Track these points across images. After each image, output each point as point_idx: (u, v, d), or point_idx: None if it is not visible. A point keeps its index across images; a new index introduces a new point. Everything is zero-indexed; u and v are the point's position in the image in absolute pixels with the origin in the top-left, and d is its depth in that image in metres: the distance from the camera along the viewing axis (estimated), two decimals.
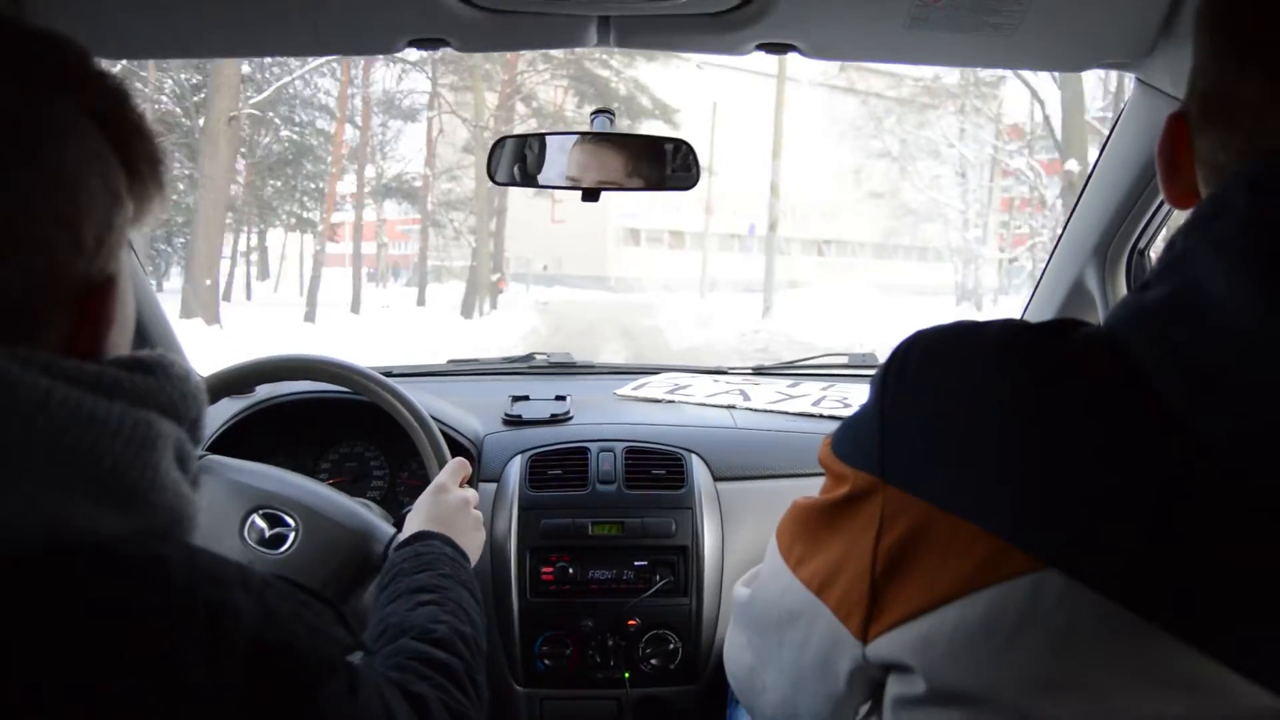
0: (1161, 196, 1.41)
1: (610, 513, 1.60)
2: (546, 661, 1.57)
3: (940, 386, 0.64)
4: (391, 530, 1.34)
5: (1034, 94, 14.94)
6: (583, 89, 20.94)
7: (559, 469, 1.66)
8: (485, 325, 17.45)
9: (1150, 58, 1.23)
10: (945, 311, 20.13)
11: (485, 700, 0.90)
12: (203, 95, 14.89)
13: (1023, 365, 0.61)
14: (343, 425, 1.80)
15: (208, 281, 13.64)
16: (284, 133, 20.12)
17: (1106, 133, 1.50)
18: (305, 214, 21.84)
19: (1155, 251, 1.52)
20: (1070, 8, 1.16)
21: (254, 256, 26.76)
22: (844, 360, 2.23)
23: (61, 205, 0.54)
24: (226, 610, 0.52)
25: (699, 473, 1.67)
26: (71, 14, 1.13)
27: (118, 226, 0.59)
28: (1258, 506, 0.54)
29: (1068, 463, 0.58)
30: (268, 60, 15.71)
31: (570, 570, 1.58)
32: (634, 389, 2.06)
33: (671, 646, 1.58)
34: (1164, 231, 1.49)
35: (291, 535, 1.30)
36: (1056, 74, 12.18)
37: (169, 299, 10.47)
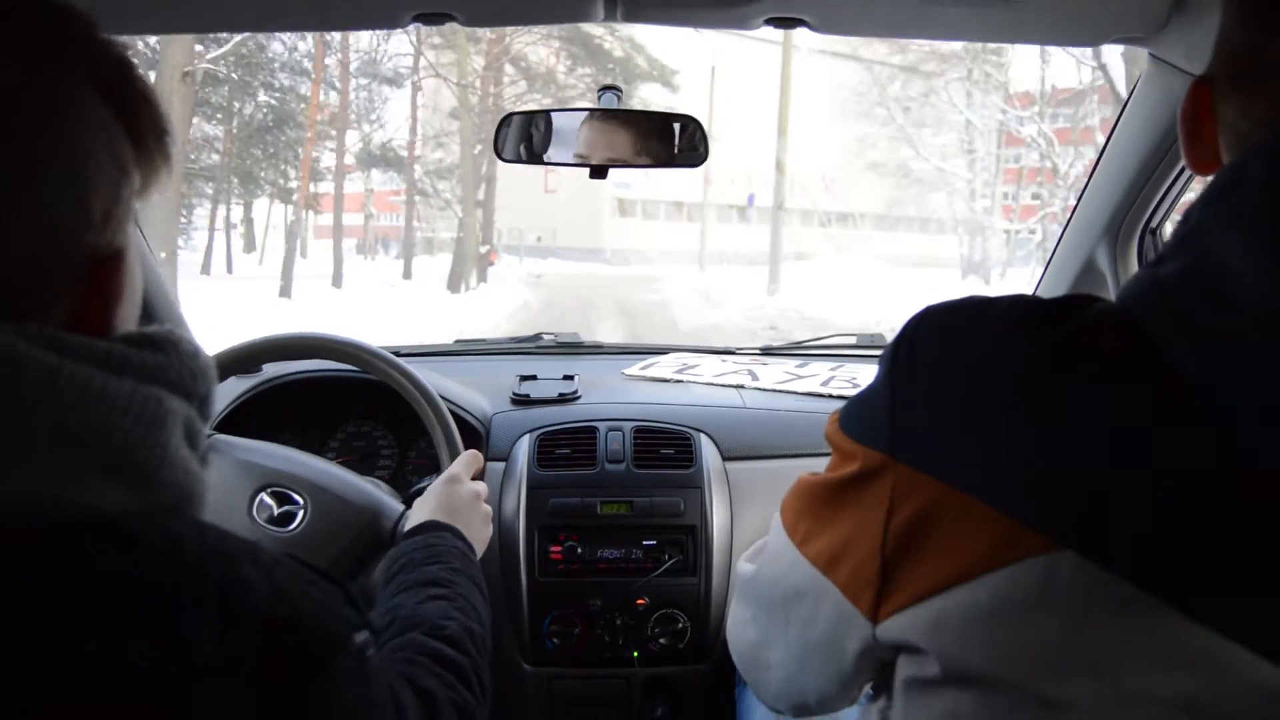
0: (1174, 174, 1.44)
1: (619, 492, 1.64)
2: (555, 640, 1.62)
3: (951, 363, 0.65)
4: (400, 507, 1.37)
5: (1096, 58, 14.58)
6: (575, 51, 20.74)
7: (567, 448, 1.70)
8: (470, 301, 17.21)
9: (1164, 32, 1.24)
10: (955, 285, 20.06)
11: (490, 699, 0.92)
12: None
13: (1035, 341, 0.62)
14: (351, 404, 1.84)
15: (163, 254, 13.39)
16: (263, 98, 19.84)
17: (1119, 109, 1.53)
18: (288, 183, 21.56)
19: (1167, 231, 1.55)
20: None
21: (241, 228, 26.58)
22: (852, 340, 2.28)
23: (69, 177, 0.55)
24: (236, 586, 0.53)
25: (708, 452, 1.71)
26: None
27: (125, 199, 0.59)
28: (1273, 481, 0.55)
29: (1081, 441, 0.58)
30: None
31: (579, 549, 1.62)
32: (642, 369, 2.10)
33: (680, 626, 1.62)
34: (1178, 209, 1.51)
35: (300, 513, 1.34)
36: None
37: None
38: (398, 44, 20.29)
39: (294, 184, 21.32)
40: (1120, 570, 0.56)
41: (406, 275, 21.71)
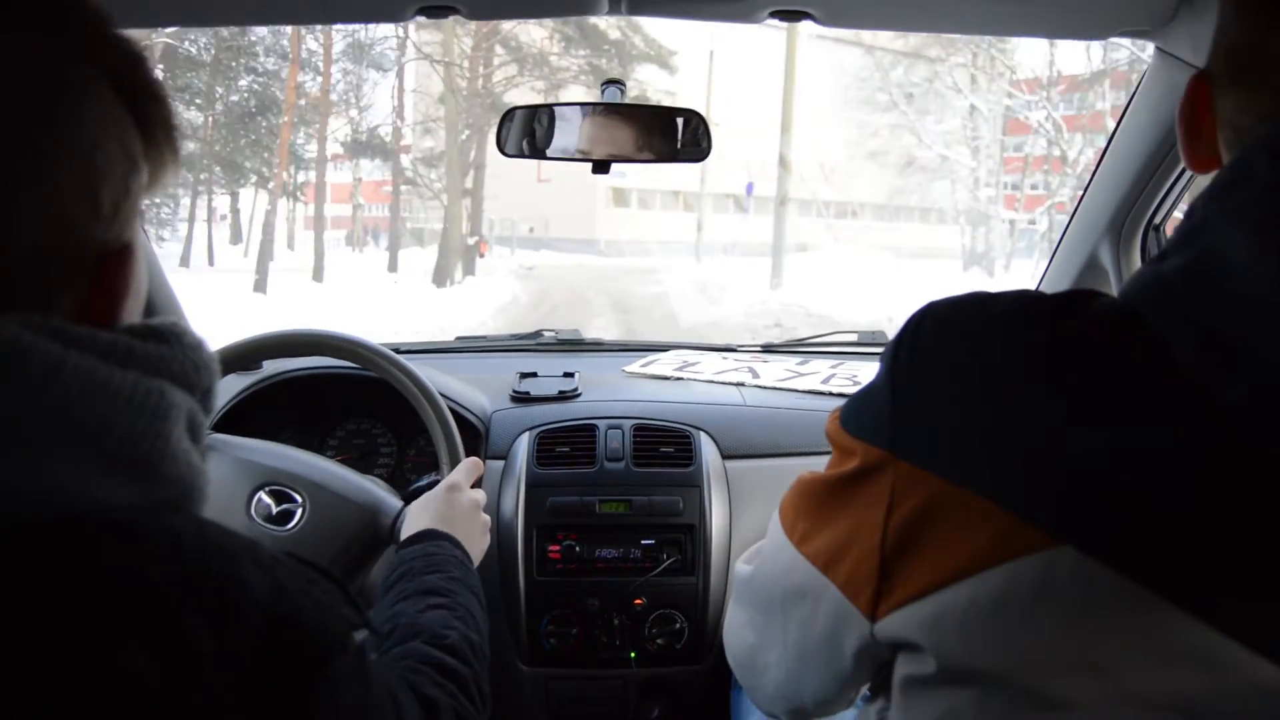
0: (1179, 170, 1.46)
1: (618, 490, 1.67)
2: (552, 641, 1.65)
3: (953, 359, 0.66)
4: (399, 505, 1.40)
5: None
6: (569, 32, 20.51)
7: (567, 446, 1.73)
8: (455, 296, 16.89)
9: (1171, 26, 1.26)
10: (959, 277, 19.97)
11: (489, 708, 0.94)
12: None
13: (1037, 337, 0.63)
14: (350, 402, 1.88)
15: None
16: (243, 82, 19.52)
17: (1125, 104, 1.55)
18: (274, 172, 21.22)
19: (1170, 228, 1.58)
20: None
21: (227, 218, 26.38)
22: (854, 337, 2.31)
23: (80, 169, 0.56)
24: (236, 583, 0.54)
25: (707, 450, 1.74)
26: None
27: (134, 192, 0.60)
28: (1275, 479, 0.56)
29: (1083, 437, 0.59)
30: None
31: (577, 549, 1.65)
32: (642, 366, 2.14)
33: (678, 626, 1.66)
34: (1181, 206, 1.53)
35: (299, 512, 1.37)
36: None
37: None
38: (385, 26, 20.08)
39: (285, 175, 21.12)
40: (1121, 566, 0.57)
41: (392, 268, 21.49)
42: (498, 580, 1.65)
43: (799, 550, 0.75)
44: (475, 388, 1.89)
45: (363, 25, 19.25)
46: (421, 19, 1.33)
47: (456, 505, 1.24)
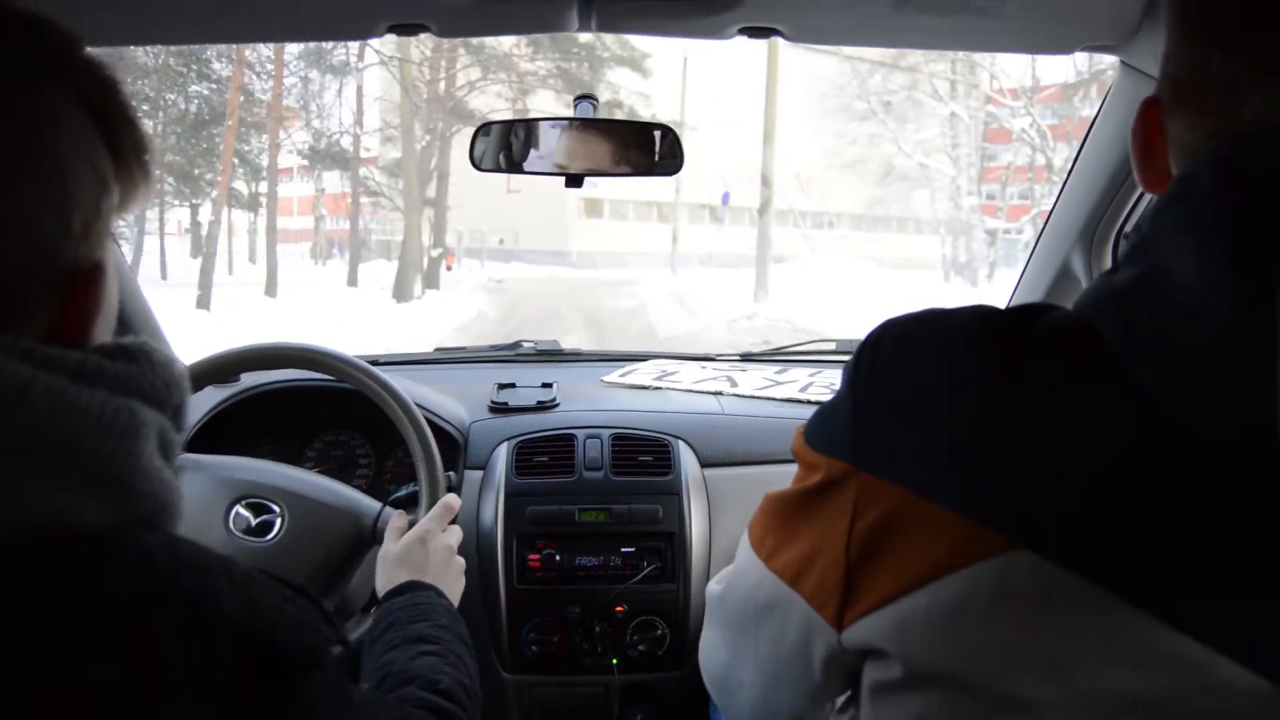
0: None
1: (597, 499, 1.74)
2: (534, 648, 1.71)
3: (911, 373, 0.70)
4: (378, 505, 1.47)
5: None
6: (536, 36, 20.57)
7: (545, 456, 1.80)
8: (415, 312, 16.64)
9: (1134, 40, 1.33)
10: (948, 289, 19.93)
11: None
12: None
13: (993, 350, 0.67)
14: (328, 414, 1.94)
15: None
16: (194, 88, 19.11)
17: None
18: (233, 184, 20.76)
19: None
20: None
21: (195, 231, 25.96)
22: (832, 346, 2.39)
23: (50, 189, 0.58)
24: (209, 599, 0.55)
25: (686, 459, 1.81)
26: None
27: (105, 213, 0.62)
28: (1228, 484, 0.59)
29: (1038, 445, 0.63)
30: None
31: (557, 557, 1.71)
32: (621, 376, 2.21)
33: (659, 633, 1.72)
34: None
35: (278, 522, 1.44)
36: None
37: None
38: None
39: (238, 184, 20.72)
40: (1077, 568, 0.60)
41: (352, 282, 21.26)
42: (478, 589, 1.70)
43: (767, 566, 0.78)
44: (453, 399, 1.95)
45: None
46: (393, 35, 1.40)
47: (434, 554, 1.30)
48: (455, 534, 1.38)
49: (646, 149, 1.63)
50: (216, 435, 1.81)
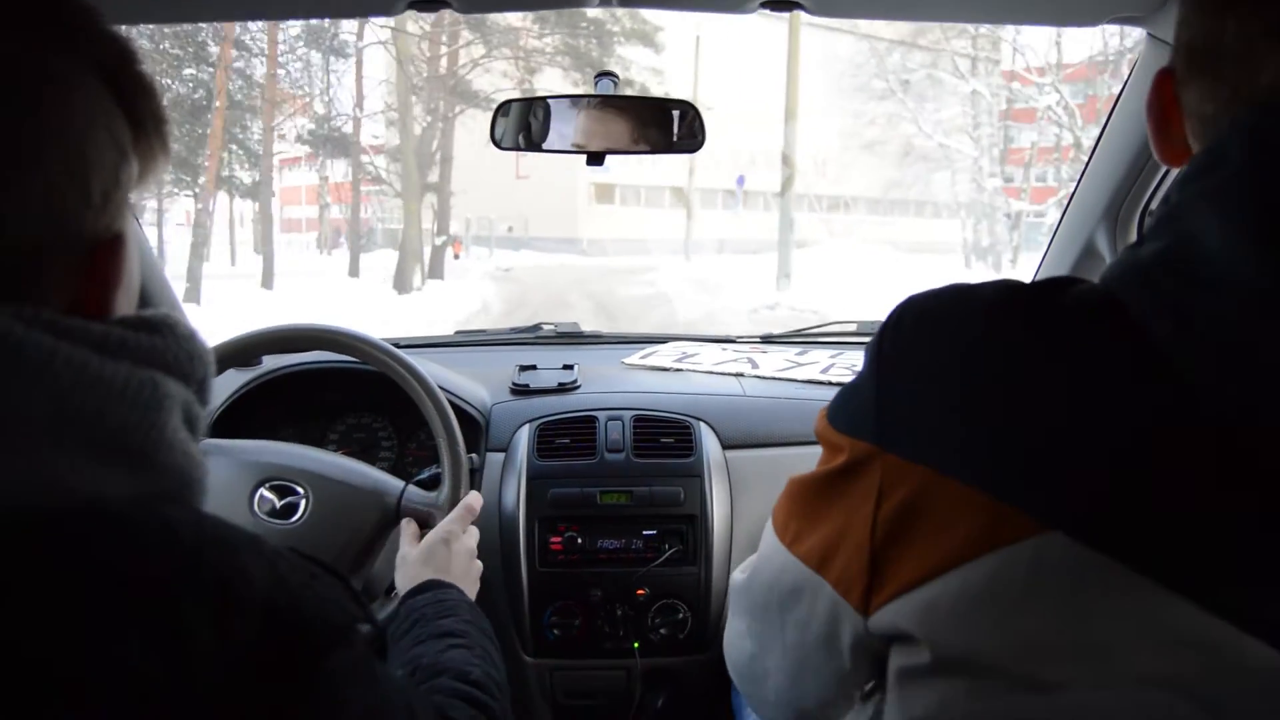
0: None
1: (619, 481, 1.77)
2: (556, 632, 1.75)
3: (935, 351, 0.70)
4: (401, 483, 1.51)
5: None
6: (543, 12, 20.35)
7: (567, 438, 1.84)
8: (415, 304, 16.28)
9: (1162, 11, 1.34)
10: (971, 274, 19.69)
11: None
12: None
13: (1017, 326, 0.67)
14: (350, 396, 1.98)
15: None
16: (188, 71, 18.61)
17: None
18: (232, 173, 20.50)
19: None
20: None
21: (191, 222, 25.82)
22: (853, 328, 2.43)
23: (69, 159, 0.58)
24: (235, 574, 0.55)
25: (708, 441, 1.85)
26: None
27: (124, 183, 0.63)
28: (1260, 461, 0.59)
29: (1065, 422, 0.63)
30: None
31: (579, 540, 1.75)
32: (642, 358, 2.25)
33: (680, 616, 1.76)
34: None
35: (302, 504, 1.48)
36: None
37: None
38: None
39: (238, 172, 20.45)
40: (1109, 550, 0.60)
41: (353, 273, 21.00)
42: (500, 572, 1.74)
43: (791, 552, 0.79)
44: (475, 381, 1.99)
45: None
46: (413, 12, 1.43)
47: (456, 556, 1.34)
48: (475, 535, 1.42)
49: (666, 126, 1.66)
50: (239, 419, 1.86)
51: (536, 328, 2.43)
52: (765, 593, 0.84)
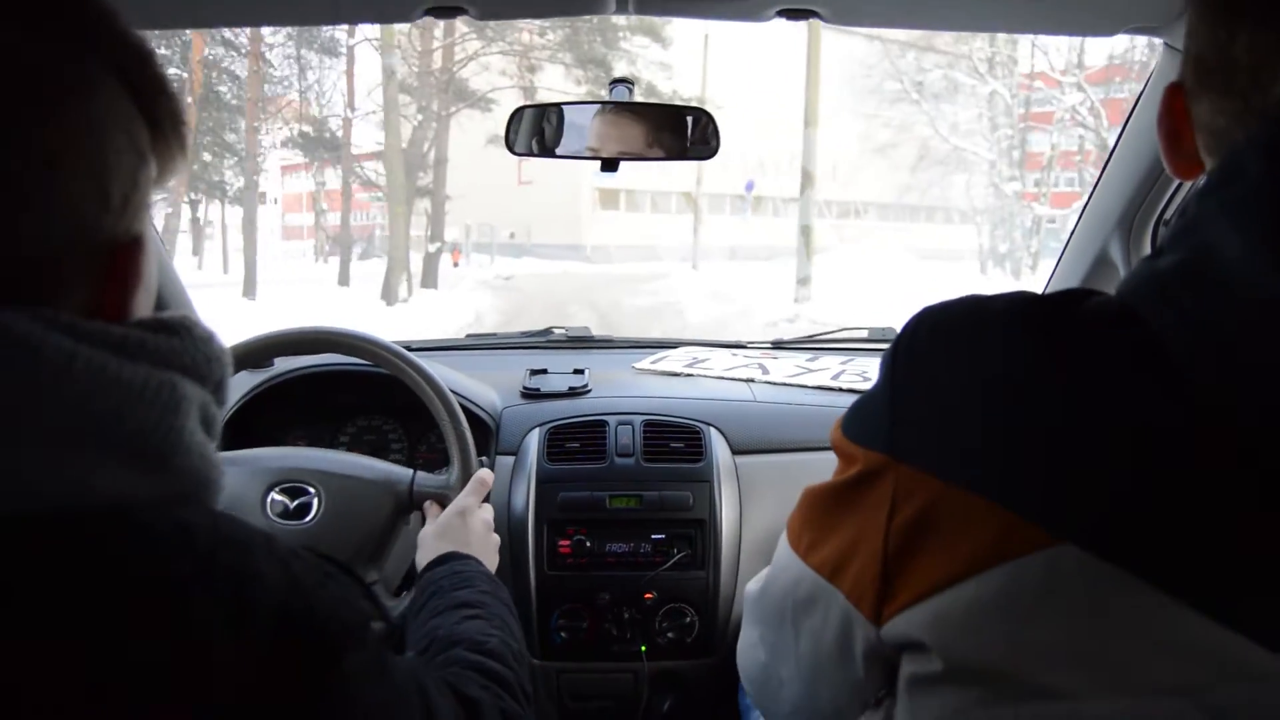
0: None
1: (628, 486, 1.83)
2: (563, 634, 1.81)
3: (950, 362, 0.71)
4: (410, 471, 1.56)
5: None
6: None
7: (577, 442, 1.90)
8: (402, 315, 15.74)
9: (1178, 21, 1.37)
10: (988, 282, 19.47)
11: (533, 707, 1.04)
12: None
13: (1032, 338, 0.68)
14: (361, 398, 2.05)
15: None
16: (175, 71, 18.55)
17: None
18: (218, 178, 20.40)
19: None
20: None
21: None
22: (864, 334, 2.48)
23: (88, 161, 0.60)
24: (250, 576, 0.57)
25: (717, 446, 1.91)
26: None
27: (143, 185, 0.65)
28: (1272, 472, 0.60)
29: (1080, 435, 0.64)
30: None
31: (587, 543, 1.81)
32: (652, 363, 2.32)
33: (688, 620, 1.81)
34: None
35: (315, 503, 1.53)
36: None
37: None
38: None
39: (227, 178, 20.25)
40: (1122, 562, 0.61)
41: (343, 281, 20.74)
42: (509, 574, 1.78)
43: (805, 562, 0.80)
44: (486, 384, 2.05)
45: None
46: (429, 19, 1.48)
47: (472, 529, 1.39)
48: (489, 510, 1.47)
49: (680, 132, 1.72)
50: (250, 420, 1.92)
51: (548, 331, 2.49)
52: (779, 602, 0.86)
